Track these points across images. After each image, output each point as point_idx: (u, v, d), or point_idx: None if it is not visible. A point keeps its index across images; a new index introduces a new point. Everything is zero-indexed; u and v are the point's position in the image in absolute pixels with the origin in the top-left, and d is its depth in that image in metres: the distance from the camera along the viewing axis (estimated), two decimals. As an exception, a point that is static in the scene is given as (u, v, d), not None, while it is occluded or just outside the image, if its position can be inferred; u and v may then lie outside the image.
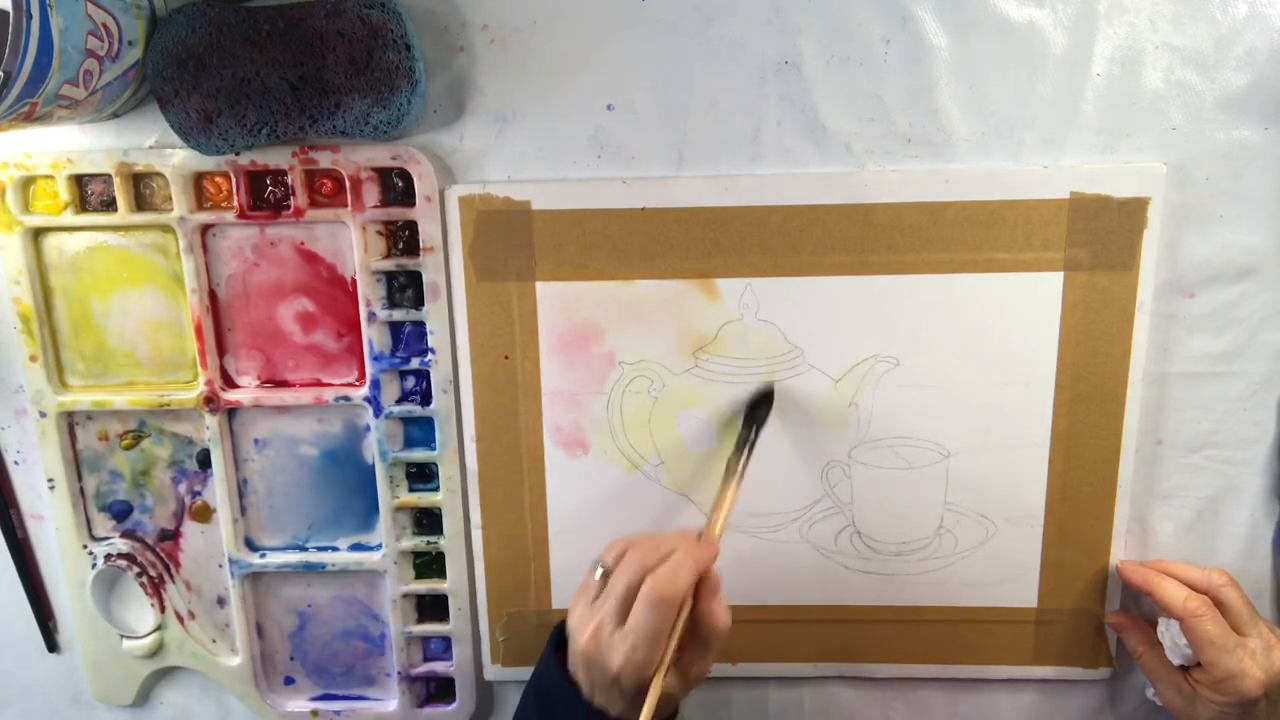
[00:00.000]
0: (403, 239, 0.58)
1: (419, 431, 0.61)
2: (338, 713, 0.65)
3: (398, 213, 0.56)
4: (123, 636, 0.64)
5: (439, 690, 0.65)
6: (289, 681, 0.66)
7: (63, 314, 0.59)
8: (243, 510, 0.62)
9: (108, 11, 0.48)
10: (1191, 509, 0.59)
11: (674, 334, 0.57)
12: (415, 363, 0.59)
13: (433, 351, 0.58)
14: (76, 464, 0.62)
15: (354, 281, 0.58)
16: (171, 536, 0.63)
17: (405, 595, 0.62)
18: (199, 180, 0.57)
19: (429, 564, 0.63)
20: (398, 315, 0.58)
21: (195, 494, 0.62)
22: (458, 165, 0.56)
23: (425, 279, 0.57)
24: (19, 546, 0.64)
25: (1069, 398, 0.56)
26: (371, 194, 0.56)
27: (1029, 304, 0.55)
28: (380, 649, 0.64)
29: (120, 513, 0.63)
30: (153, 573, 0.63)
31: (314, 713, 0.65)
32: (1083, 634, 0.61)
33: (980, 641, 0.61)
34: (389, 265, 0.57)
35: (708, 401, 0.58)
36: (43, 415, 0.60)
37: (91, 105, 0.50)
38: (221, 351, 0.60)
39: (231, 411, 0.60)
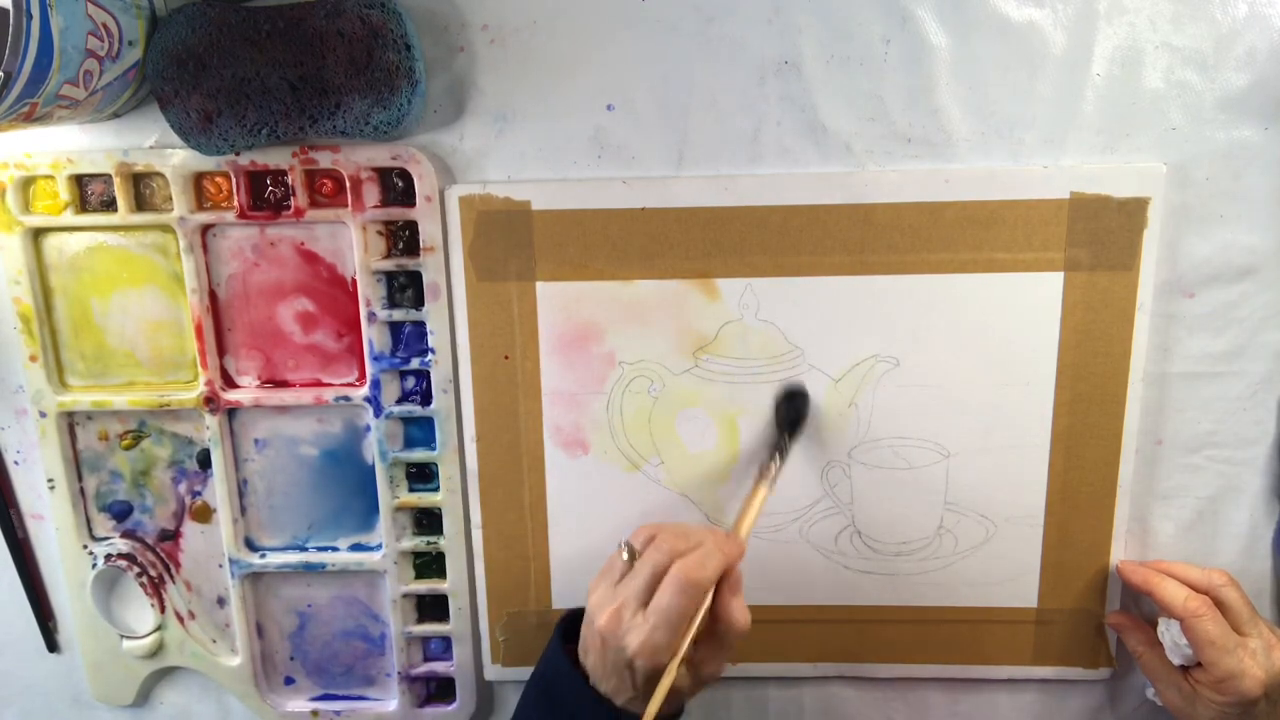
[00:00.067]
0: (403, 239, 0.58)
1: (419, 431, 0.61)
2: (338, 713, 0.65)
3: (398, 213, 0.56)
4: (123, 636, 0.64)
5: (439, 690, 0.65)
6: (289, 681, 0.66)
7: (63, 314, 0.59)
8: (243, 510, 0.62)
9: (108, 11, 0.48)
10: (1191, 509, 0.59)
11: (674, 334, 0.57)
12: (415, 363, 0.59)
13: (433, 351, 0.58)
14: (76, 464, 0.62)
15: (354, 281, 0.58)
16: (171, 536, 0.63)
17: (405, 595, 0.62)
18: (199, 180, 0.57)
19: (429, 564, 0.63)
20: (398, 315, 0.58)
21: (195, 494, 0.62)
22: (458, 165, 0.56)
23: (425, 279, 0.57)
24: (19, 546, 0.64)
25: (1069, 398, 0.56)
26: (371, 194, 0.56)
27: (1029, 304, 0.55)
28: (380, 649, 0.64)
29: (120, 513, 0.63)
30: (153, 573, 0.63)
31: (314, 713, 0.65)
32: (1083, 634, 0.61)
33: (980, 641, 0.61)
34: (389, 265, 0.57)
35: (708, 401, 0.58)
36: (43, 415, 0.60)
37: (92, 105, 0.50)
38: (221, 351, 0.60)
39: (231, 411, 0.60)
